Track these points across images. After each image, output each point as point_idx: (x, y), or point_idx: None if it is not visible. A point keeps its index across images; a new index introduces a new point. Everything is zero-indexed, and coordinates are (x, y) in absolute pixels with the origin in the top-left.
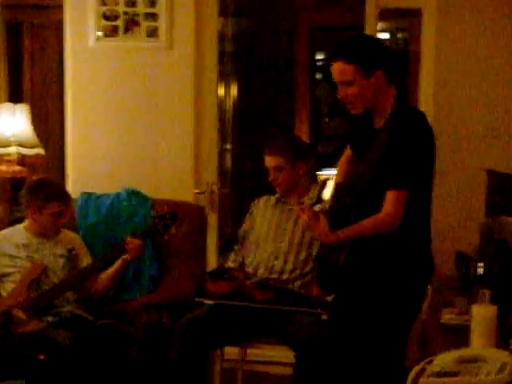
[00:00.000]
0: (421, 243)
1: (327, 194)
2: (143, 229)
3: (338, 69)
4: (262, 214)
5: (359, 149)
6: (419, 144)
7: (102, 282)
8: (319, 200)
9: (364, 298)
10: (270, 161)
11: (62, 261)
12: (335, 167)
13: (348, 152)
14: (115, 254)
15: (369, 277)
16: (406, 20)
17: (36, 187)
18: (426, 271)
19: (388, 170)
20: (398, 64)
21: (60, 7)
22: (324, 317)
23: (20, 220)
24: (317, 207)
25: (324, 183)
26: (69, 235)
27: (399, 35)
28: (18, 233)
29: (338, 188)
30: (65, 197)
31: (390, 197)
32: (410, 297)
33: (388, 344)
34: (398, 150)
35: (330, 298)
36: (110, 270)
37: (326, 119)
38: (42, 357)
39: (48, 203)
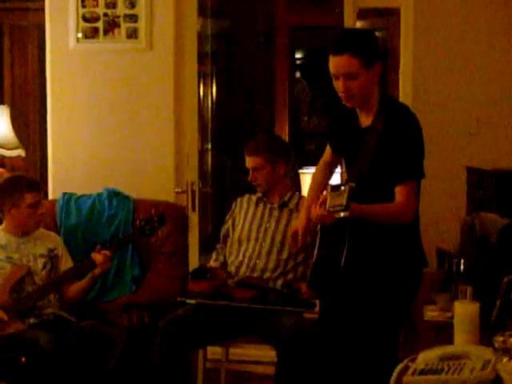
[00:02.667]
0: (415, 236)
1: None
2: (123, 228)
3: (343, 62)
4: (244, 213)
5: (343, 147)
6: (414, 135)
7: (73, 292)
8: (347, 208)
9: (362, 293)
10: (249, 161)
11: (42, 261)
12: (316, 165)
13: (327, 157)
14: (85, 266)
15: (368, 272)
16: (384, 19)
17: (7, 185)
18: (421, 263)
19: (391, 165)
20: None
21: (40, 10)
22: (307, 315)
23: None
24: (341, 214)
25: (352, 189)
26: (49, 235)
27: (377, 34)
28: None
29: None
30: (37, 186)
31: (403, 190)
32: (407, 290)
33: (384, 337)
34: (396, 145)
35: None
36: (79, 284)
37: (305, 117)
38: (23, 359)
39: (23, 195)
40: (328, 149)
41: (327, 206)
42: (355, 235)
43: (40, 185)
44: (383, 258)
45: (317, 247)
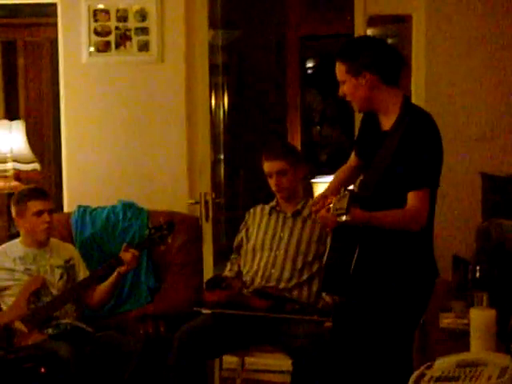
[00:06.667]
0: (427, 245)
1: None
2: (139, 240)
3: (336, 68)
4: (258, 223)
5: (365, 151)
6: (431, 144)
7: (99, 294)
8: (347, 211)
9: (372, 300)
10: (273, 166)
11: (59, 272)
12: (329, 174)
13: (351, 161)
14: (113, 265)
15: (378, 280)
16: (396, 26)
17: (15, 196)
18: (433, 273)
19: (404, 172)
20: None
21: (53, 25)
22: (328, 324)
23: (17, 235)
24: (343, 218)
25: (352, 193)
26: (65, 246)
27: (389, 41)
28: (15, 246)
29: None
30: (43, 194)
31: (416, 196)
32: (418, 299)
33: (396, 345)
34: (413, 151)
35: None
36: (107, 283)
37: (318, 127)
38: (42, 369)
39: (27, 204)
40: (352, 156)
41: (331, 209)
42: (366, 242)
43: (47, 194)
44: (394, 267)
45: (327, 251)
